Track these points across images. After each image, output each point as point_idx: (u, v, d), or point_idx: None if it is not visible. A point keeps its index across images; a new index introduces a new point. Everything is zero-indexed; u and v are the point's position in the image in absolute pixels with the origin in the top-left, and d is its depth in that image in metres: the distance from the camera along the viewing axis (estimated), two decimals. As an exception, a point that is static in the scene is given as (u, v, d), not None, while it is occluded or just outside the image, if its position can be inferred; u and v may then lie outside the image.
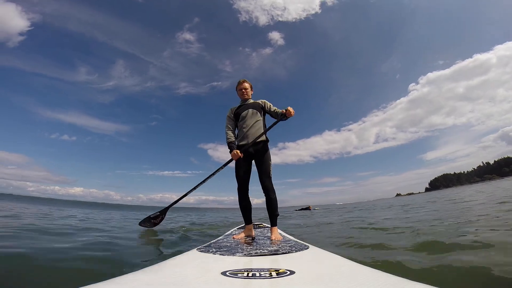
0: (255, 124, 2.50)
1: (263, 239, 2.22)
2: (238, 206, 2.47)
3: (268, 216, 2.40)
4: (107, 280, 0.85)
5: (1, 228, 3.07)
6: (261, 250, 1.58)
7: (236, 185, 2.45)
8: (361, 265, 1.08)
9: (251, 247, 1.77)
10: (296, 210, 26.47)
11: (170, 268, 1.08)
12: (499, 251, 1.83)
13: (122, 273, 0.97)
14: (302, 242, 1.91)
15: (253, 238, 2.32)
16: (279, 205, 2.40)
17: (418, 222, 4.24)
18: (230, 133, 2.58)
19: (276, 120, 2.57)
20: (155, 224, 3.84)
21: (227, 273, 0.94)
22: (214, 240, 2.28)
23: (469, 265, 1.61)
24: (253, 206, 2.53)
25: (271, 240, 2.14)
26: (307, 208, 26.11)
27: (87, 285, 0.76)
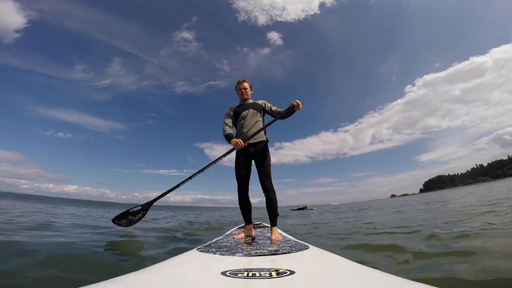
0: (255, 125, 2.49)
1: (263, 239, 2.22)
2: (234, 206, 2.48)
3: (267, 216, 2.40)
4: (107, 280, 0.85)
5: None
6: (261, 250, 1.58)
7: (235, 185, 2.44)
8: (361, 265, 1.08)
9: (251, 247, 1.77)
10: (292, 210, 26.44)
11: (170, 268, 1.08)
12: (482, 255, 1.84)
13: (122, 273, 0.97)
14: (302, 242, 1.92)
15: (253, 238, 2.32)
16: None
17: (414, 222, 4.25)
18: (227, 127, 2.54)
19: (284, 114, 2.52)
20: (133, 222, 2.88)
21: (227, 273, 0.94)
22: (214, 240, 2.28)
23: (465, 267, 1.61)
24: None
25: (271, 240, 2.14)
26: (304, 208, 26.11)
27: (87, 285, 0.76)
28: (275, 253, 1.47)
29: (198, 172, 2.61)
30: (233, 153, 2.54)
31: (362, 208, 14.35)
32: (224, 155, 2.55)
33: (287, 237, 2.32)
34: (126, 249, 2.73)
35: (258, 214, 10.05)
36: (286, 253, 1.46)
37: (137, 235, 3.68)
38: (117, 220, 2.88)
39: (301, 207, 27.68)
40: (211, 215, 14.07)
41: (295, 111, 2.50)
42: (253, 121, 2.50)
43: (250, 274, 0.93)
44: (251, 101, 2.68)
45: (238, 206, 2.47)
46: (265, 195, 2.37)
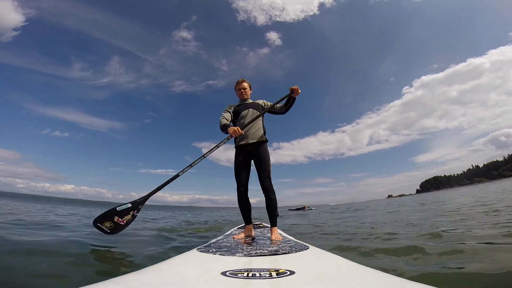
0: (255, 125, 2.48)
1: (263, 239, 2.22)
2: (232, 206, 2.48)
3: (265, 216, 2.39)
4: (107, 280, 0.85)
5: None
6: (261, 250, 1.58)
7: (233, 184, 2.44)
8: (361, 265, 1.08)
9: (251, 247, 1.77)
10: (290, 210, 26.26)
11: (170, 268, 1.08)
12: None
13: (122, 273, 0.97)
14: (302, 242, 1.92)
15: (253, 238, 2.32)
16: None
17: (409, 223, 4.25)
18: (224, 119, 2.52)
19: (284, 99, 2.55)
20: (120, 227, 2.23)
21: (227, 273, 0.94)
22: (214, 240, 2.28)
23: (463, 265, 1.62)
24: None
25: (271, 240, 2.14)
26: (302, 208, 25.91)
27: (87, 285, 0.76)
28: (275, 253, 1.47)
29: (196, 161, 2.46)
30: (233, 154, 2.54)
31: (359, 208, 14.39)
32: (219, 145, 2.46)
33: (287, 237, 2.32)
34: (126, 249, 2.73)
35: (256, 214, 10.06)
36: (286, 253, 1.46)
37: (137, 235, 3.68)
38: (99, 222, 2.20)
39: (300, 207, 27.54)
40: (210, 215, 14.09)
41: (295, 98, 2.51)
42: (253, 121, 2.48)
43: (250, 274, 0.93)
44: (250, 101, 2.68)
45: (236, 206, 2.47)
46: (265, 195, 2.36)
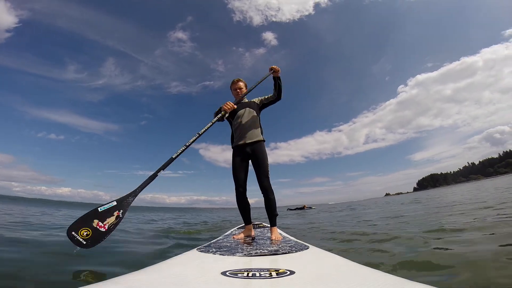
0: (252, 124, 2.47)
1: (263, 239, 2.22)
2: (230, 206, 2.49)
3: (262, 216, 2.39)
4: (107, 280, 0.85)
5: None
6: (261, 250, 1.58)
7: (231, 185, 2.43)
8: (361, 265, 1.08)
9: (251, 247, 1.77)
10: (290, 209, 25.98)
11: (170, 268, 1.08)
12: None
13: (122, 273, 0.97)
14: (302, 242, 1.92)
15: (253, 238, 2.32)
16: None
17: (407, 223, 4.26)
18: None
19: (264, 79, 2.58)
20: (102, 235, 1.71)
21: (227, 273, 0.94)
22: (214, 240, 2.28)
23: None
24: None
25: (271, 240, 2.14)
26: (302, 208, 25.64)
27: (87, 285, 0.76)
28: (275, 253, 1.47)
29: (191, 141, 2.31)
30: (230, 154, 2.53)
31: (358, 207, 14.39)
32: (214, 121, 2.39)
33: (287, 237, 2.32)
34: (126, 249, 2.73)
35: (255, 215, 10.05)
36: (286, 253, 1.46)
37: (137, 235, 3.68)
38: (74, 230, 1.66)
39: (299, 206, 27.33)
40: (208, 216, 14.10)
41: (278, 77, 2.51)
42: (250, 120, 2.48)
43: (250, 274, 0.93)
44: (246, 100, 2.65)
45: (235, 206, 2.47)
46: (263, 195, 2.36)
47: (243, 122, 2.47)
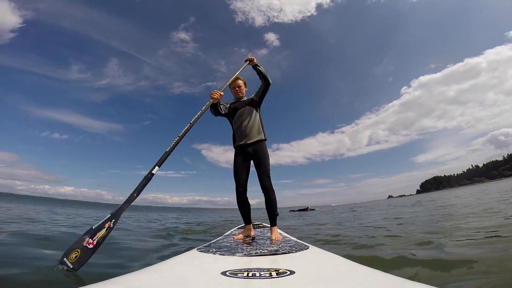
0: (253, 123, 2.46)
1: (263, 239, 2.22)
2: (232, 207, 2.46)
3: (262, 218, 2.39)
4: (107, 280, 0.85)
5: None
6: (261, 250, 1.58)
7: (232, 185, 2.42)
8: (361, 265, 1.08)
9: (251, 247, 1.77)
10: (292, 210, 25.79)
11: (170, 268, 1.08)
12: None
13: (122, 273, 0.97)
14: (302, 242, 1.92)
15: (253, 238, 2.32)
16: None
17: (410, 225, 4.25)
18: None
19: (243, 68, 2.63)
20: (86, 254, 1.59)
21: (227, 273, 0.94)
22: (214, 240, 2.28)
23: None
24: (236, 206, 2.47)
25: (271, 240, 2.14)
26: (305, 209, 25.43)
27: (87, 285, 0.76)
28: (275, 253, 1.47)
29: (185, 131, 2.25)
30: (232, 155, 2.53)
31: (360, 209, 14.37)
32: (204, 109, 2.35)
33: (287, 237, 2.32)
34: (126, 249, 2.73)
35: (255, 216, 10.05)
36: (286, 253, 1.46)
37: (137, 235, 3.68)
38: (66, 256, 1.63)
39: (302, 208, 27.14)
40: (210, 216, 14.10)
41: (256, 65, 2.54)
42: (251, 119, 2.46)
43: (250, 274, 0.93)
44: (246, 98, 2.62)
45: (236, 207, 2.46)
46: (264, 195, 2.36)
47: (244, 121, 2.46)
